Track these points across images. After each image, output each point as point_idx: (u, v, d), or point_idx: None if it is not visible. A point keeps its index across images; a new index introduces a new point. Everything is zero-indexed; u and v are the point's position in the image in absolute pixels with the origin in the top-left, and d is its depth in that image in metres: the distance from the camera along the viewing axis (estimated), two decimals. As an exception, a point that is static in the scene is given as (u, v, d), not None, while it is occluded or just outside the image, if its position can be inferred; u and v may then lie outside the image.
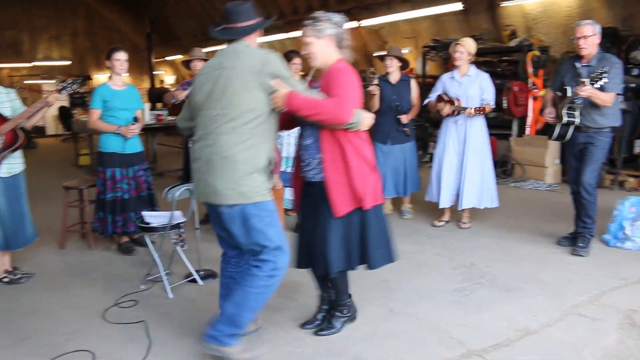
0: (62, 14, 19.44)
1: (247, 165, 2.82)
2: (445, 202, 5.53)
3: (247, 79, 2.79)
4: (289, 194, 5.91)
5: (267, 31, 13.90)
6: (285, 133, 6.00)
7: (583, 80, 4.31)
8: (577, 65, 4.59)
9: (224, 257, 3.23)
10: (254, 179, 2.83)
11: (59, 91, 4.34)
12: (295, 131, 5.87)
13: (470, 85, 5.31)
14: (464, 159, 5.39)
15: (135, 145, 4.91)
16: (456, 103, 5.30)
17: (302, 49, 3.10)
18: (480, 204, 5.46)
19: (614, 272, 4.25)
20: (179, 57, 19.30)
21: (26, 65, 18.64)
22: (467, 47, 5.28)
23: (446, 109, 5.35)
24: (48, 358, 3.16)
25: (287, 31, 13.15)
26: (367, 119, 3.01)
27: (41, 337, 3.43)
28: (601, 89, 4.31)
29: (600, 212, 4.81)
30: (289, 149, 5.96)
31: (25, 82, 18.61)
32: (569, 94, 4.51)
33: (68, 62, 19.39)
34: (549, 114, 4.75)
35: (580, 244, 4.70)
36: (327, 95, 2.90)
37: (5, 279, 4.34)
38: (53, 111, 16.97)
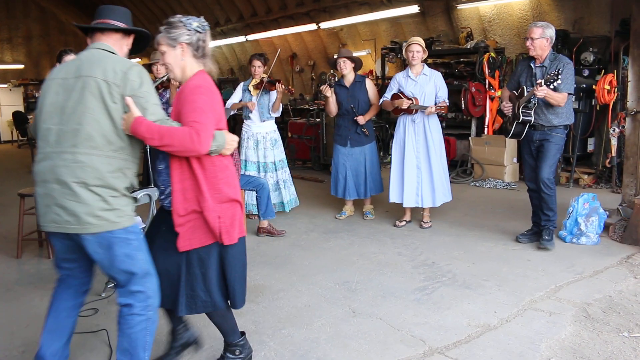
0: (14, 17, 18.92)
1: (112, 189, 2.49)
2: (409, 202, 5.57)
3: (104, 92, 2.43)
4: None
5: (227, 34, 13.85)
6: (245, 136, 6.00)
7: (539, 81, 4.44)
8: (532, 65, 4.74)
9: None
10: (120, 202, 2.52)
11: None
12: (253, 134, 5.92)
13: (427, 84, 5.41)
14: (427, 159, 5.46)
15: None
16: (413, 102, 5.39)
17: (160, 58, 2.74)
18: (441, 201, 5.56)
19: (570, 267, 4.37)
20: (137, 61, 19.02)
21: (-23, 69, 18.10)
22: (422, 45, 5.37)
23: (404, 103, 5.40)
24: (4, 371, 3.08)
25: (246, 34, 13.10)
26: (230, 143, 2.65)
27: (-3, 349, 3.34)
28: (555, 89, 4.45)
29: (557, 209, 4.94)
30: (248, 152, 5.96)
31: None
32: (525, 93, 4.64)
33: (21, 66, 18.88)
34: (506, 106, 4.90)
35: (545, 237, 4.82)
36: (178, 116, 2.54)
37: None
38: (7, 116, 16.52)
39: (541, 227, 4.93)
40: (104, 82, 2.44)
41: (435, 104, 5.35)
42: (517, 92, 4.83)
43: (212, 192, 2.62)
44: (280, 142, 6.14)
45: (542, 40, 4.61)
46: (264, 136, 5.95)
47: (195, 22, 2.65)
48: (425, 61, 5.58)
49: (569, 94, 4.60)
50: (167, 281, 2.73)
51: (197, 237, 2.64)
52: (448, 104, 5.47)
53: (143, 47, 2.83)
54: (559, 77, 4.37)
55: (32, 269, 4.83)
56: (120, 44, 2.69)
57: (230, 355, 2.99)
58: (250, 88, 5.89)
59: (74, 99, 2.45)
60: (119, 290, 2.62)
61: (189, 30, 2.62)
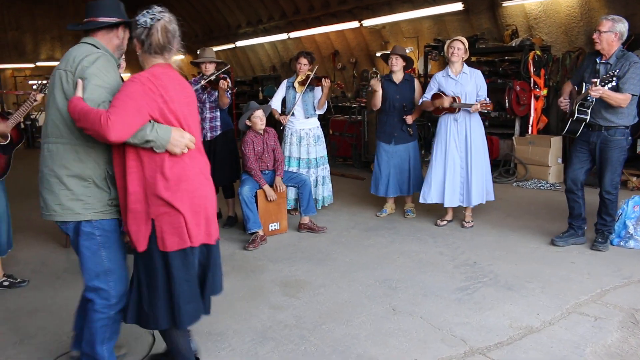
0: (65, 15, 19.48)
1: (81, 179, 2.55)
2: (451, 201, 5.50)
3: (63, 81, 2.53)
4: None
5: (269, 31, 13.95)
6: (288, 132, 6.04)
7: (594, 80, 4.31)
8: (597, 61, 4.60)
9: None
10: (88, 193, 2.56)
11: (40, 91, 4.34)
12: (297, 131, 5.95)
13: (467, 83, 5.34)
14: (469, 158, 5.39)
15: None
16: (457, 100, 5.32)
17: None
18: (484, 199, 5.49)
19: (617, 271, 4.26)
20: (180, 57, 19.33)
21: (29, 65, 18.70)
22: (465, 44, 5.31)
23: (446, 102, 5.31)
24: (54, 356, 3.19)
25: (289, 31, 13.17)
26: (178, 140, 2.46)
27: (47, 335, 3.46)
28: (617, 89, 4.32)
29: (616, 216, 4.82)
30: (291, 149, 6.00)
31: (29, 82, 18.68)
32: (584, 90, 4.52)
33: (71, 63, 19.43)
34: (563, 102, 4.79)
35: (599, 240, 4.74)
36: None
37: (5, 283, 4.30)
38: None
39: (596, 230, 4.82)
40: (64, 72, 2.55)
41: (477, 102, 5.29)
42: (578, 88, 4.70)
43: (148, 191, 2.47)
44: (323, 139, 6.16)
45: (610, 34, 4.46)
46: (307, 132, 5.98)
47: (146, 16, 2.51)
48: (468, 60, 5.49)
49: (632, 95, 4.41)
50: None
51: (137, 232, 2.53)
52: (491, 102, 5.37)
53: None
54: (615, 78, 4.23)
55: (80, 259, 4.97)
56: (109, 38, 2.74)
57: None
58: (296, 85, 5.92)
59: (48, 93, 2.64)
60: (85, 285, 2.70)
61: (138, 24, 2.52)
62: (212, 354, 3.16)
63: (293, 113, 5.94)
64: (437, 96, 5.43)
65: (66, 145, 2.55)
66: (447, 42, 5.44)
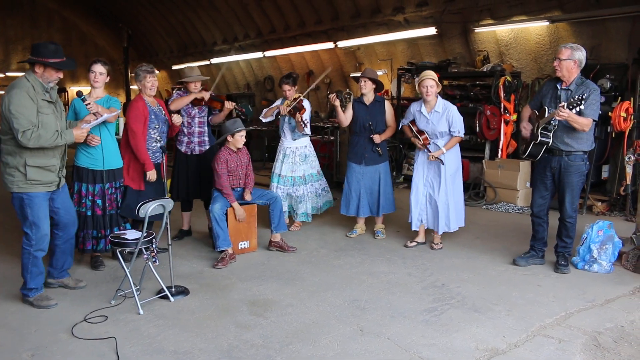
0: (38, 26, 19.28)
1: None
2: (415, 224, 5.67)
3: None
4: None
5: (245, 50, 13.99)
6: (279, 149, 6.10)
7: (562, 104, 4.43)
8: (558, 87, 4.72)
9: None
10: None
11: None
12: (284, 148, 5.98)
13: (439, 122, 5.38)
14: (438, 187, 5.47)
15: (111, 162, 4.84)
16: (421, 138, 5.44)
17: None
18: (450, 228, 5.54)
19: (581, 294, 4.33)
20: (158, 73, 19.23)
21: (-1, 76, 18.41)
22: (436, 79, 5.33)
23: (417, 143, 5.51)
24: (12, 374, 3.10)
25: (264, 50, 13.22)
26: (79, 135, 4.13)
27: (5, 353, 3.36)
28: (580, 113, 4.44)
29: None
30: (275, 165, 6.08)
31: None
32: (546, 114, 4.63)
33: (42, 74, 19.18)
34: (525, 127, 4.91)
35: (562, 262, 4.84)
36: None
37: None
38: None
39: (556, 253, 4.91)
40: None
41: (450, 135, 5.41)
42: (538, 112, 4.82)
43: None
44: (313, 157, 6.30)
45: (570, 62, 4.59)
46: (293, 151, 6.13)
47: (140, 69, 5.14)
48: (440, 82, 5.55)
49: (593, 120, 4.55)
50: None
51: None
52: (461, 136, 5.47)
53: None
54: (583, 101, 4.35)
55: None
56: (34, 68, 4.20)
57: None
58: (284, 105, 6.00)
59: None
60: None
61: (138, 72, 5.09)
62: (176, 374, 3.10)
63: (284, 132, 6.16)
64: (413, 123, 5.55)
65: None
66: (418, 80, 5.42)
